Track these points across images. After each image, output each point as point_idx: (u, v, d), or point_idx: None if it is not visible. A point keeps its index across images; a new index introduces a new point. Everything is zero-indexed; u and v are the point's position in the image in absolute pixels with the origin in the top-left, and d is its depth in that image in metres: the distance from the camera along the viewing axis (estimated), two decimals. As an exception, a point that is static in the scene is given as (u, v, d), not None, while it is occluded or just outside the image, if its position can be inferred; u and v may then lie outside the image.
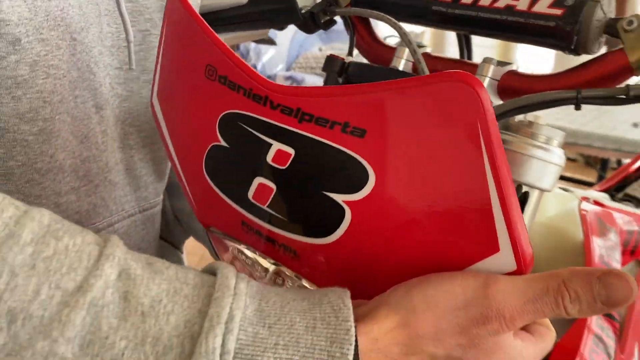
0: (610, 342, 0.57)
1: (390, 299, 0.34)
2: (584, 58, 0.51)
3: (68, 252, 0.30)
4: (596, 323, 0.57)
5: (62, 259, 0.29)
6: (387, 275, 0.36)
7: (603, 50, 0.50)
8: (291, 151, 0.37)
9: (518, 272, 0.33)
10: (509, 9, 0.50)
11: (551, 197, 0.70)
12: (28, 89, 0.41)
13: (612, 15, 0.48)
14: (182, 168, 0.46)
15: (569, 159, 3.20)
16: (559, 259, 0.65)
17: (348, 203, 0.35)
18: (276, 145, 0.37)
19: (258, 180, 0.39)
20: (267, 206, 0.39)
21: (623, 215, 0.74)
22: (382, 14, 0.49)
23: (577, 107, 0.46)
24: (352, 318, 0.31)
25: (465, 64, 0.55)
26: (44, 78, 0.42)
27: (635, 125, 2.33)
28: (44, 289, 0.28)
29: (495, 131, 0.32)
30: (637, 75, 0.47)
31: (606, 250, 0.63)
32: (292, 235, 0.39)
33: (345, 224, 0.36)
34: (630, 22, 0.46)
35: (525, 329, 0.35)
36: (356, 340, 0.31)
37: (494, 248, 0.33)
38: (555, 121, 2.36)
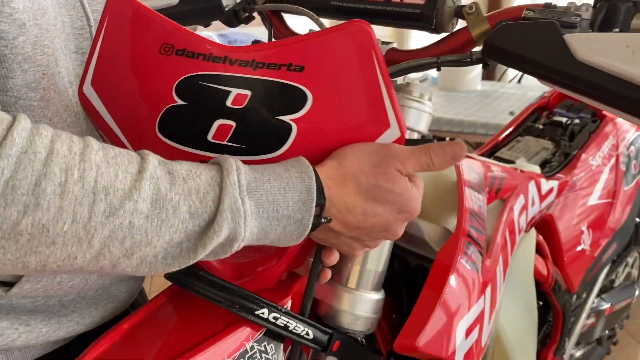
0: (477, 256, 0.75)
1: (330, 156, 0.53)
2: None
3: (122, 154, 0.44)
4: (464, 244, 0.74)
5: (122, 157, 0.43)
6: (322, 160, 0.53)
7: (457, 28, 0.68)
8: (248, 93, 0.50)
9: (401, 137, 0.54)
10: (387, 1, 0.67)
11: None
12: (32, 64, 0.51)
13: (460, 3, 0.66)
14: (129, 138, 0.56)
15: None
16: (441, 195, 0.83)
17: (294, 120, 0.51)
18: (235, 91, 0.50)
19: (218, 122, 0.51)
20: (227, 141, 0.51)
21: (491, 165, 0.94)
22: (293, 5, 0.64)
23: (438, 69, 0.63)
24: (308, 163, 0.50)
25: (358, 45, 0.72)
26: (41, 55, 0.52)
27: (511, 113, 2.64)
28: (120, 173, 0.42)
29: (380, 51, 0.51)
30: (478, 45, 0.65)
31: (474, 187, 0.81)
32: (248, 157, 0.51)
33: (292, 137, 0.51)
34: (471, 7, 0.64)
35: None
36: (316, 174, 0.49)
37: (387, 124, 0.53)
38: (444, 114, 2.63)
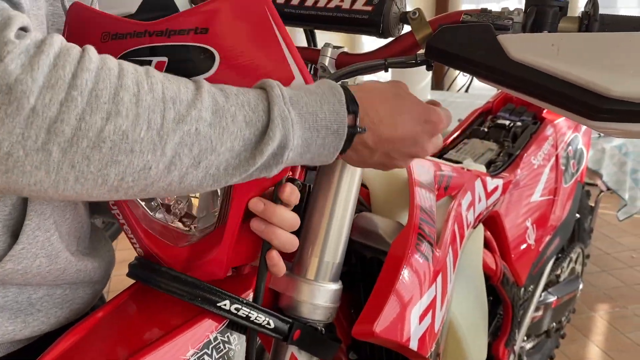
0: (428, 247, 0.79)
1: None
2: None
3: (176, 77, 0.49)
4: (416, 237, 0.78)
5: (178, 78, 0.49)
6: None
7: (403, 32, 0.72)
8: (165, 59, 0.55)
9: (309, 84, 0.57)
10: (337, 7, 0.71)
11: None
12: None
13: (404, 9, 0.71)
14: None
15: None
16: (394, 192, 0.87)
17: (206, 79, 0.53)
18: (155, 60, 0.55)
19: None
20: None
21: (440, 164, 1.00)
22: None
23: (386, 70, 0.68)
24: (335, 82, 0.56)
25: (311, 50, 0.75)
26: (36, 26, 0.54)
27: (459, 121, 2.74)
28: (182, 87, 0.47)
29: (274, 9, 0.55)
30: (422, 48, 0.70)
31: (424, 185, 0.86)
32: None
33: None
34: (414, 13, 0.69)
35: None
36: (344, 88, 0.54)
37: (292, 77, 0.57)
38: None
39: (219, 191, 0.63)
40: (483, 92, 3.81)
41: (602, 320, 2.29)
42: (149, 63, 0.55)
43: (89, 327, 0.60)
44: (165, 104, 0.45)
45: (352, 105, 0.54)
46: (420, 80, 3.16)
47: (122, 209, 0.63)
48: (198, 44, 0.55)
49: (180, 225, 0.66)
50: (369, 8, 0.70)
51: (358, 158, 0.58)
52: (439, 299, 0.77)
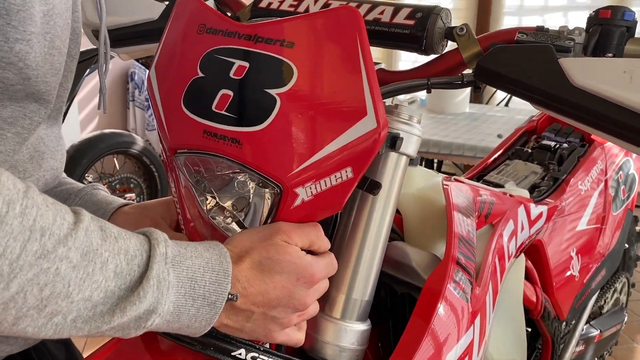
0: (467, 284, 0.72)
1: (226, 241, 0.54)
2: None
3: (58, 203, 0.43)
4: (454, 271, 0.71)
5: (59, 205, 0.43)
6: (298, 140, 0.52)
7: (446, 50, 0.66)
8: (247, 64, 0.53)
9: (377, 130, 0.51)
10: (376, 21, 0.65)
11: (418, 174, 0.86)
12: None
13: (450, 24, 0.65)
14: (164, 109, 0.59)
15: (449, 174, 3.50)
16: (427, 219, 0.81)
17: (279, 94, 0.52)
18: (237, 62, 0.54)
19: (221, 91, 0.54)
20: (225, 110, 0.53)
21: (480, 189, 0.92)
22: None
23: (429, 91, 0.62)
24: (225, 249, 0.51)
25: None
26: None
27: (499, 136, 2.64)
28: (58, 219, 0.41)
29: (366, 36, 0.52)
30: (469, 67, 0.64)
31: (463, 211, 0.79)
32: (238, 128, 0.53)
33: (275, 111, 0.52)
34: (462, 29, 0.63)
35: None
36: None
37: (363, 113, 0.51)
38: (431, 136, 2.63)
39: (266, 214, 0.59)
40: (523, 106, 3.70)
41: (645, 353, 2.17)
42: (232, 65, 0.54)
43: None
44: (32, 233, 0.39)
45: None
46: (459, 92, 3.07)
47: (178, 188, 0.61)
48: (280, 57, 0.53)
49: (228, 232, 0.61)
50: (411, 22, 0.64)
51: (235, 325, 0.52)
52: (476, 343, 0.70)
